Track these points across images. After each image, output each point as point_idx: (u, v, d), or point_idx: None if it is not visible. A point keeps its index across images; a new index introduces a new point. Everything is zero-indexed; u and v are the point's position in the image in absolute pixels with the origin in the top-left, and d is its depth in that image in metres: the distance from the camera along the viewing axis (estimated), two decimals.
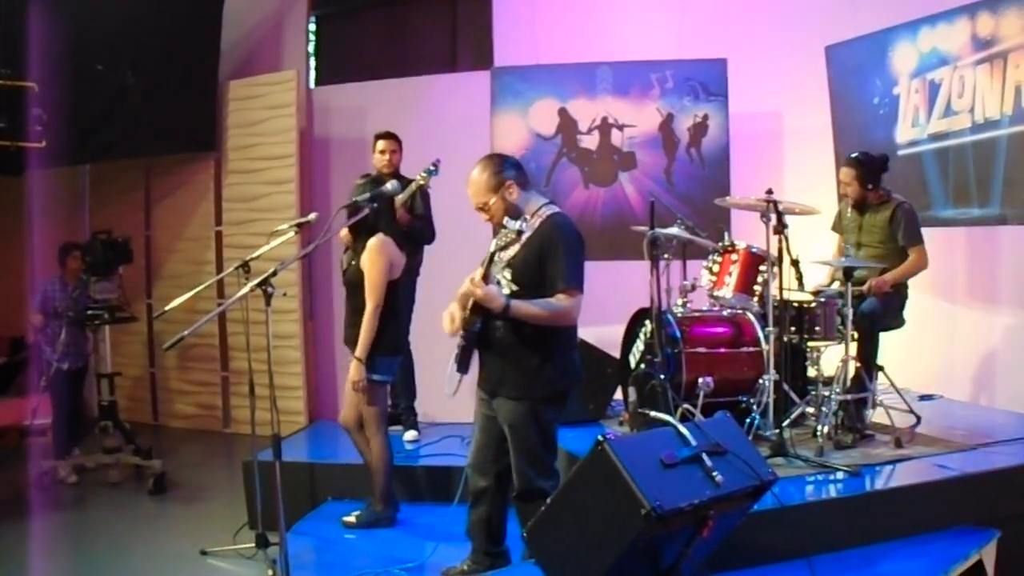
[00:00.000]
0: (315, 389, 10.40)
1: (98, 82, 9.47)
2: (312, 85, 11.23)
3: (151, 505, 8.47)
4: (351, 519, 6.86)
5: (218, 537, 7.19)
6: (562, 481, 4.91)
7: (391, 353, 6.54)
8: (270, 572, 6.22)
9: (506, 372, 5.10)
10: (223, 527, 7.43)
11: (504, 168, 5.12)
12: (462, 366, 5.11)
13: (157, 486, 8.70)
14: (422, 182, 7.73)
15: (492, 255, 5.08)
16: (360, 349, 6.33)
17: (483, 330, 5.05)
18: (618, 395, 8.01)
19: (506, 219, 5.01)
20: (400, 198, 7.27)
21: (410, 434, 8.23)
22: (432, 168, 7.71)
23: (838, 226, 7.68)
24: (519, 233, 4.94)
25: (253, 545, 6.76)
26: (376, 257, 6.33)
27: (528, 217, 5.03)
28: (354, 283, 6.51)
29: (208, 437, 10.85)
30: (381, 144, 8.09)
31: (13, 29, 8.57)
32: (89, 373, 9.52)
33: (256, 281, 5.56)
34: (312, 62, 11.71)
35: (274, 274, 5.61)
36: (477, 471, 5.40)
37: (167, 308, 5.96)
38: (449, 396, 5.43)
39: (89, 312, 8.90)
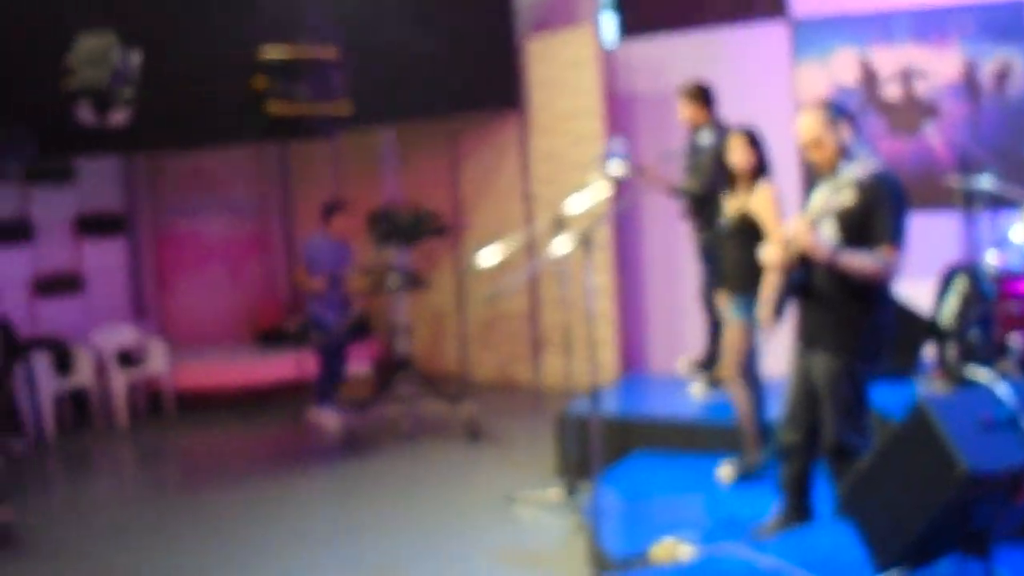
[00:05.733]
0: (626, 342, 10.37)
1: (396, 45, 9.74)
2: (612, 40, 11.30)
3: (457, 452, 8.81)
4: (725, 472, 6.72)
5: (525, 485, 7.44)
6: (873, 439, 4.93)
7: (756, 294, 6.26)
8: (577, 522, 6.39)
9: (825, 324, 5.13)
10: (530, 476, 7.70)
11: (839, 109, 5.20)
12: (778, 312, 5.22)
13: (469, 433, 9.03)
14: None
15: (821, 203, 5.02)
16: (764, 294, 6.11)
17: (805, 279, 5.10)
18: (926, 352, 7.86)
19: (840, 164, 5.04)
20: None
21: (698, 387, 8.18)
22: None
23: None
24: (855, 181, 4.89)
25: (561, 495, 6.97)
26: (769, 198, 6.31)
27: (860, 165, 5.02)
28: (736, 231, 6.45)
29: (518, 388, 11.08)
30: (678, 99, 8.15)
31: None
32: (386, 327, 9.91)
33: (574, 235, 5.70)
34: (611, 16, 11.79)
35: (592, 228, 5.73)
36: (789, 425, 5.41)
37: (486, 264, 6.16)
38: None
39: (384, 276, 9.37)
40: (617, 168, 6.45)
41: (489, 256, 6.21)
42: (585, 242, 5.75)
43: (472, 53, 10.46)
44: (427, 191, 11.18)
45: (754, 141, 6.41)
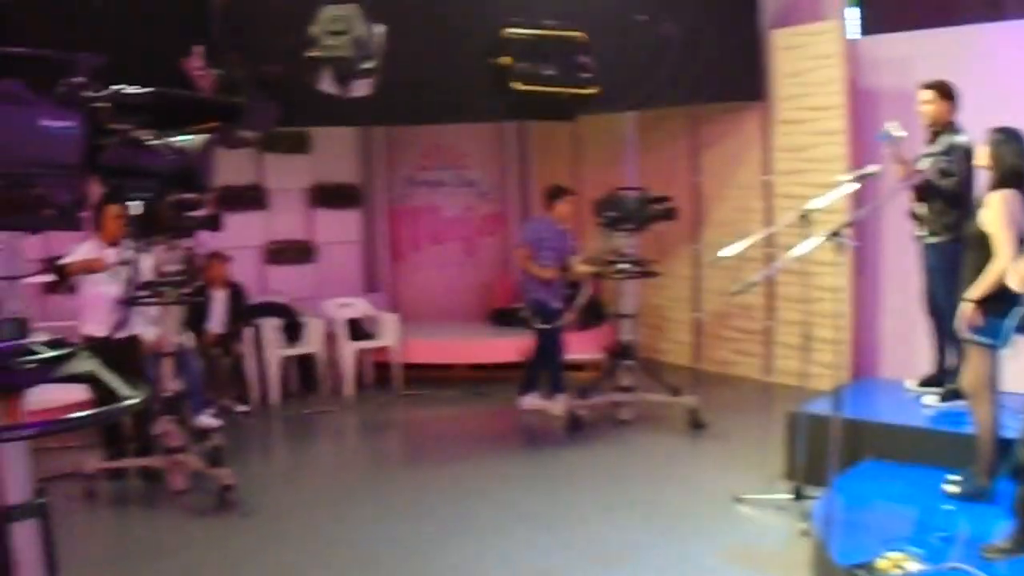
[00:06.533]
0: (861, 345, 10.21)
1: (641, 32, 9.78)
2: (857, 35, 11.04)
3: (679, 444, 8.81)
4: (953, 488, 6.40)
5: (748, 483, 7.34)
6: None
7: (999, 314, 6.00)
8: (803, 526, 6.26)
9: None
10: (753, 474, 7.59)
11: None
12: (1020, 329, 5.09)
13: (693, 423, 9.02)
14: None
15: None
16: (973, 290, 5.98)
17: None
18: None
19: None
20: None
21: (932, 399, 7.74)
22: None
23: None
24: None
25: (789, 496, 6.83)
26: (998, 209, 5.99)
27: None
28: (972, 241, 6.20)
29: (746, 384, 11.00)
30: (920, 95, 7.84)
31: None
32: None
33: (828, 232, 5.58)
34: (857, 12, 11.53)
35: (847, 225, 5.59)
36: None
37: (724, 255, 6.07)
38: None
39: (611, 263, 9.28)
40: (869, 169, 6.26)
41: (732, 250, 6.10)
42: (838, 242, 5.60)
43: (718, 43, 10.39)
44: (666, 179, 11.05)
45: (1004, 147, 6.10)
